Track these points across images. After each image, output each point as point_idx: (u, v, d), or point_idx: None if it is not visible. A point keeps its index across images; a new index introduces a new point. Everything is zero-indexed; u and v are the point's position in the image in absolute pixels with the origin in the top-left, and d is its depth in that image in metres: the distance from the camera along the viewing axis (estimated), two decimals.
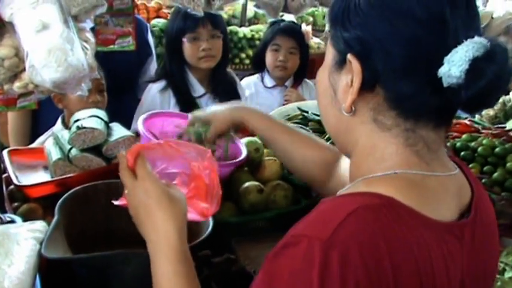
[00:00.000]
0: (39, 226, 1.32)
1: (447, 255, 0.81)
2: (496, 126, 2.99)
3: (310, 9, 3.27)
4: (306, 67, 3.22)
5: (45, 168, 1.87)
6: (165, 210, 1.00)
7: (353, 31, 0.84)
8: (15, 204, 1.72)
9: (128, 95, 2.92)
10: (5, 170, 1.77)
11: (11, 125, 2.73)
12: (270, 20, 3.53)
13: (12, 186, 1.76)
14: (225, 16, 4.84)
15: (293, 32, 3.13)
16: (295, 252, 0.75)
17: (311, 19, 5.81)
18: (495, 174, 2.23)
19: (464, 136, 2.56)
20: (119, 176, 1.07)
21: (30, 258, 1.20)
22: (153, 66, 3.04)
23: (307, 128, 2.26)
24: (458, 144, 2.44)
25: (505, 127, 2.93)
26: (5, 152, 1.88)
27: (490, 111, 3.34)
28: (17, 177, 1.73)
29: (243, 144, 1.86)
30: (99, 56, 1.50)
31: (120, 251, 1.25)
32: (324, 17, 5.69)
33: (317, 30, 5.43)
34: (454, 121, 2.88)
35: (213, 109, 1.57)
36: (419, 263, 0.77)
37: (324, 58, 0.95)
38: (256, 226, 1.76)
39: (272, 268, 0.78)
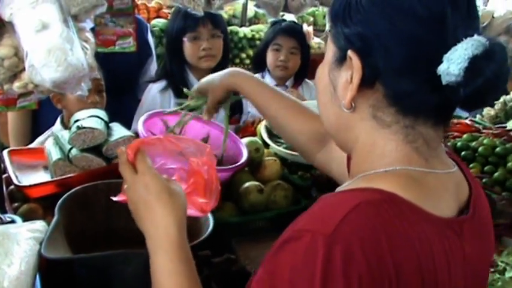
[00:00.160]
0: (39, 226, 1.32)
1: (448, 251, 0.82)
2: (496, 126, 2.99)
3: (310, 9, 3.27)
4: (306, 67, 3.21)
5: (46, 168, 1.87)
6: (165, 205, 0.99)
7: (354, 27, 0.84)
8: (16, 204, 1.72)
9: (127, 95, 2.91)
10: (5, 170, 1.77)
11: (11, 125, 2.73)
12: (271, 19, 3.52)
13: (12, 187, 1.76)
14: (225, 16, 4.83)
15: (294, 32, 3.12)
16: (298, 247, 0.75)
17: (311, 19, 5.80)
18: (496, 174, 2.23)
19: (465, 136, 2.56)
20: (119, 173, 1.06)
21: (30, 258, 1.19)
22: (153, 67, 3.04)
23: None
24: (459, 144, 2.44)
25: (505, 127, 2.93)
26: (5, 152, 1.88)
27: (491, 111, 3.34)
28: (17, 177, 1.73)
29: (244, 146, 1.86)
30: (99, 57, 1.49)
31: (121, 251, 1.24)
32: (324, 17, 5.68)
33: (317, 30, 5.42)
34: (455, 121, 2.88)
35: (206, 79, 1.56)
36: (421, 258, 0.78)
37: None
38: (257, 226, 1.76)
39: (273, 262, 0.78)
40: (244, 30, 4.99)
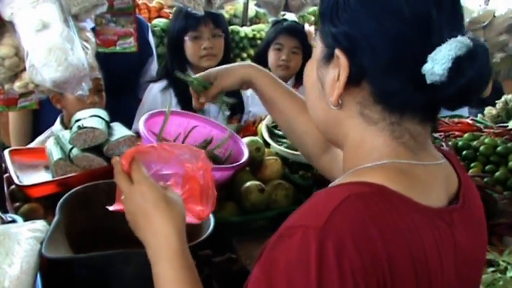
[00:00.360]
0: (39, 226, 1.32)
1: (439, 240, 0.83)
2: (498, 125, 2.99)
3: (311, 9, 3.26)
4: None
5: (47, 168, 1.87)
6: (163, 214, 0.99)
7: (341, 26, 0.86)
8: (17, 204, 1.72)
9: (128, 95, 2.92)
10: (6, 170, 1.77)
11: (12, 125, 2.73)
12: (272, 19, 3.52)
13: (13, 186, 1.76)
14: (226, 15, 4.83)
15: (296, 31, 3.12)
16: (291, 243, 0.76)
17: (312, 18, 5.80)
18: (497, 173, 2.22)
19: (466, 135, 2.56)
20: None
21: (30, 257, 1.20)
22: (153, 67, 3.04)
23: None
24: (460, 143, 2.44)
25: (507, 126, 2.92)
26: (6, 152, 1.88)
27: (493, 110, 3.33)
28: (18, 177, 1.73)
29: (245, 146, 1.86)
30: (100, 56, 1.49)
31: (121, 250, 1.24)
32: None
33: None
34: (456, 120, 2.88)
35: (218, 67, 1.53)
36: (412, 249, 0.79)
37: None
38: (258, 225, 1.76)
39: (268, 261, 0.79)
40: (245, 30, 4.98)
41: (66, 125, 2.31)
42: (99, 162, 1.75)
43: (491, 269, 1.57)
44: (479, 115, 3.36)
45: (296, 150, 1.61)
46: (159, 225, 0.98)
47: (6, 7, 1.27)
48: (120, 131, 1.83)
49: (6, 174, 1.76)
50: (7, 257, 1.17)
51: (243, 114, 2.88)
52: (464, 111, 3.31)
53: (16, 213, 1.62)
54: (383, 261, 0.75)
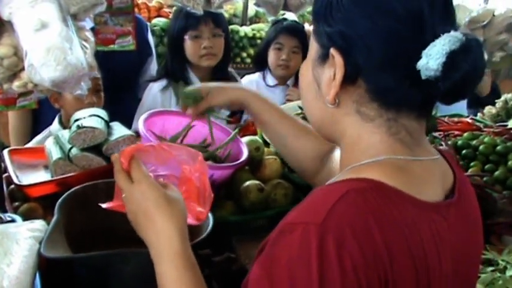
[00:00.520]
0: (38, 225, 1.32)
1: (436, 234, 0.84)
2: (497, 124, 2.99)
3: (310, 8, 3.26)
4: None
5: (46, 167, 1.87)
6: (164, 212, 0.98)
7: (335, 26, 0.87)
8: (16, 203, 1.72)
9: (128, 94, 2.91)
10: (5, 170, 1.77)
11: (11, 125, 2.73)
12: (271, 18, 3.52)
13: (12, 186, 1.76)
14: (226, 15, 4.83)
15: (296, 31, 3.13)
16: (291, 239, 0.76)
17: None
18: (496, 173, 2.22)
19: (465, 134, 2.56)
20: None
21: (29, 257, 1.19)
22: (153, 66, 3.04)
23: None
24: (459, 142, 2.43)
25: (506, 125, 2.92)
26: (5, 152, 1.88)
27: (492, 110, 3.33)
28: (17, 176, 1.73)
29: (244, 145, 1.86)
30: (99, 56, 1.49)
31: (120, 250, 1.24)
32: None
33: None
34: (456, 119, 2.87)
35: (213, 83, 1.55)
36: (410, 243, 0.80)
37: None
38: (257, 225, 1.76)
39: (269, 257, 0.79)
40: (245, 29, 4.99)
41: (64, 125, 2.31)
42: (98, 162, 1.75)
43: (491, 268, 1.56)
44: (479, 114, 3.36)
45: (296, 171, 1.63)
46: (161, 225, 0.98)
47: (5, 7, 1.27)
48: (119, 130, 1.83)
49: (6, 174, 1.76)
50: (6, 256, 1.17)
51: (243, 114, 2.88)
52: (463, 110, 3.30)
53: (15, 212, 1.62)
54: (384, 256, 0.76)
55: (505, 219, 1.84)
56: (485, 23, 2.58)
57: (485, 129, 2.73)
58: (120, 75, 2.64)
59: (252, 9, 5.38)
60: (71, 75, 1.25)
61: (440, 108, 2.76)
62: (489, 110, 3.35)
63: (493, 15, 2.63)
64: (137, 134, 1.79)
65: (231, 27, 4.66)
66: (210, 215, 1.34)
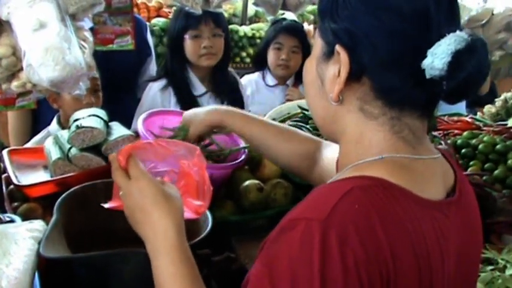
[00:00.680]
0: (37, 225, 1.32)
1: (439, 233, 0.84)
2: (497, 123, 2.98)
3: (310, 7, 3.26)
4: None
5: (45, 167, 1.87)
6: (161, 209, 0.99)
7: (341, 23, 0.86)
8: (15, 204, 1.72)
9: (127, 94, 2.92)
10: (4, 170, 1.77)
11: (11, 125, 2.73)
12: (271, 18, 3.52)
13: (12, 186, 1.76)
14: (225, 15, 4.84)
15: (296, 31, 3.13)
16: (294, 235, 0.76)
17: (312, 17, 5.79)
18: (496, 172, 2.22)
19: (465, 133, 2.55)
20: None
21: (28, 257, 1.19)
22: (152, 66, 3.04)
23: (308, 126, 2.26)
24: (459, 141, 2.43)
25: (506, 124, 2.91)
26: (4, 152, 1.88)
27: (492, 108, 3.33)
28: (16, 177, 1.73)
29: (244, 144, 1.85)
30: (98, 56, 1.49)
31: (119, 250, 1.24)
32: None
33: None
34: (455, 118, 2.87)
35: (191, 112, 1.57)
36: (413, 241, 0.80)
37: None
38: (257, 224, 1.76)
39: (271, 253, 0.79)
40: (245, 29, 4.99)
41: (63, 125, 2.31)
42: (97, 162, 1.75)
43: (490, 267, 1.56)
44: (479, 113, 3.36)
45: (291, 174, 1.64)
46: (158, 219, 0.99)
47: (3, 7, 1.27)
48: (118, 130, 1.83)
49: (5, 174, 1.76)
50: (5, 257, 1.17)
51: None
52: (462, 110, 3.30)
53: (14, 213, 1.62)
54: (386, 254, 0.76)
55: (505, 218, 1.83)
56: (484, 22, 2.59)
57: (484, 128, 2.73)
58: (119, 75, 2.64)
59: (251, 9, 5.38)
60: (69, 75, 1.26)
61: (439, 108, 2.75)
62: (489, 108, 3.35)
63: (492, 14, 2.63)
64: (137, 134, 1.79)
65: (230, 26, 4.66)
66: (209, 215, 1.34)
